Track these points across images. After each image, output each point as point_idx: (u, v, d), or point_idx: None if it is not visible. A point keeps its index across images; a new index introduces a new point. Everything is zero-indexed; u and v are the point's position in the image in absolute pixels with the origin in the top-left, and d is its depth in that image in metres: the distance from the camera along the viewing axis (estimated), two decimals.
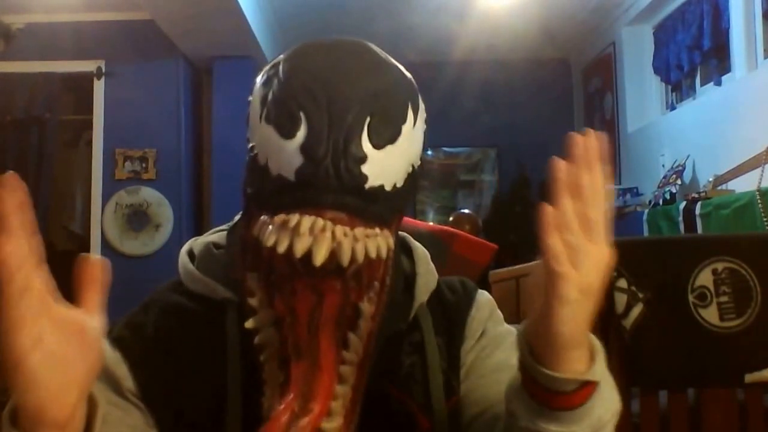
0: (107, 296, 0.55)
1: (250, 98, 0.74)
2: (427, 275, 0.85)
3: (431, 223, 3.84)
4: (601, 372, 0.62)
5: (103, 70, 4.57)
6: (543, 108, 5.93)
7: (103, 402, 0.58)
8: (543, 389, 0.61)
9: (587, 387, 0.61)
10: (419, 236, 0.92)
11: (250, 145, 0.72)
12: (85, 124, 4.75)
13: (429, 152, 6.05)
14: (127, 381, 0.76)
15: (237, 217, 0.84)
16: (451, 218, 3.87)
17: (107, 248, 4.49)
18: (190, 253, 0.86)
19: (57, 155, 4.65)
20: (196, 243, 0.87)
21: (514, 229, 5.72)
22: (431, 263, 0.87)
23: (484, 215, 5.85)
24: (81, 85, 4.70)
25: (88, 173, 4.65)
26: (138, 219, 4.53)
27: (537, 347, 0.61)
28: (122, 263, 4.42)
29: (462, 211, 4.52)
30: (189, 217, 4.69)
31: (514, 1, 4.73)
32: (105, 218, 4.52)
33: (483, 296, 0.87)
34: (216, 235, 0.88)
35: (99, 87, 4.58)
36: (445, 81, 5.33)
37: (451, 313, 0.84)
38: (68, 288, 0.55)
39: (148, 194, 4.55)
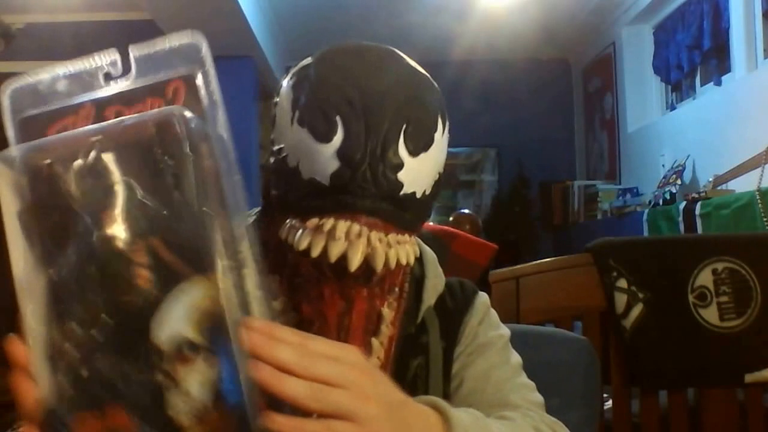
0: None
1: (276, 99, 0.74)
2: (436, 279, 0.85)
3: (431, 223, 3.84)
4: None
5: None
6: (543, 108, 5.93)
7: None
8: None
9: None
10: (419, 236, 0.92)
11: (278, 147, 0.71)
12: None
13: None
14: None
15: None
16: (451, 218, 3.87)
17: None
18: None
19: None
20: None
21: (514, 229, 5.73)
22: (439, 267, 0.87)
23: (484, 215, 5.86)
24: None
25: None
26: None
27: None
28: None
29: (462, 211, 4.51)
30: None
31: (514, 1, 4.73)
32: None
33: (480, 299, 0.87)
34: None
35: None
36: (445, 81, 5.29)
37: (449, 317, 0.84)
38: None
39: None
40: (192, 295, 0.45)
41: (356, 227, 0.66)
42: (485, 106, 5.75)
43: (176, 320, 0.44)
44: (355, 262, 0.65)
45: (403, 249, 0.68)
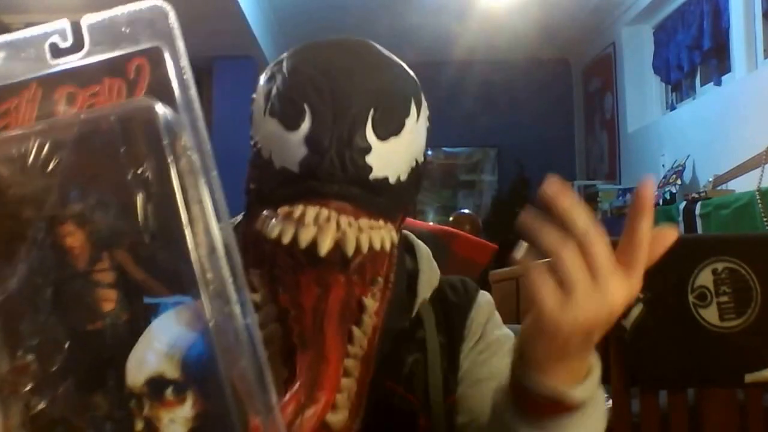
0: None
1: (254, 95, 0.75)
2: (430, 272, 0.85)
3: (431, 223, 3.84)
4: (584, 395, 0.57)
5: None
6: (543, 108, 5.93)
7: None
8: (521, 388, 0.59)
9: (562, 405, 0.57)
10: (419, 236, 0.92)
11: (254, 141, 0.73)
12: None
13: (429, 152, 6.05)
14: None
15: (239, 217, 0.84)
16: (451, 218, 3.87)
17: None
18: None
19: None
20: None
21: (514, 229, 5.72)
22: (433, 261, 0.87)
23: (484, 215, 5.85)
24: None
25: None
26: None
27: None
28: None
29: (462, 211, 4.52)
30: None
31: (514, 1, 4.73)
32: None
33: (483, 297, 0.87)
34: None
35: None
36: (445, 81, 5.33)
37: (452, 312, 0.84)
38: None
39: None
40: (172, 326, 0.38)
41: (325, 212, 0.66)
42: (485, 106, 5.76)
43: (155, 357, 0.38)
44: (324, 246, 0.65)
45: (377, 234, 0.68)
